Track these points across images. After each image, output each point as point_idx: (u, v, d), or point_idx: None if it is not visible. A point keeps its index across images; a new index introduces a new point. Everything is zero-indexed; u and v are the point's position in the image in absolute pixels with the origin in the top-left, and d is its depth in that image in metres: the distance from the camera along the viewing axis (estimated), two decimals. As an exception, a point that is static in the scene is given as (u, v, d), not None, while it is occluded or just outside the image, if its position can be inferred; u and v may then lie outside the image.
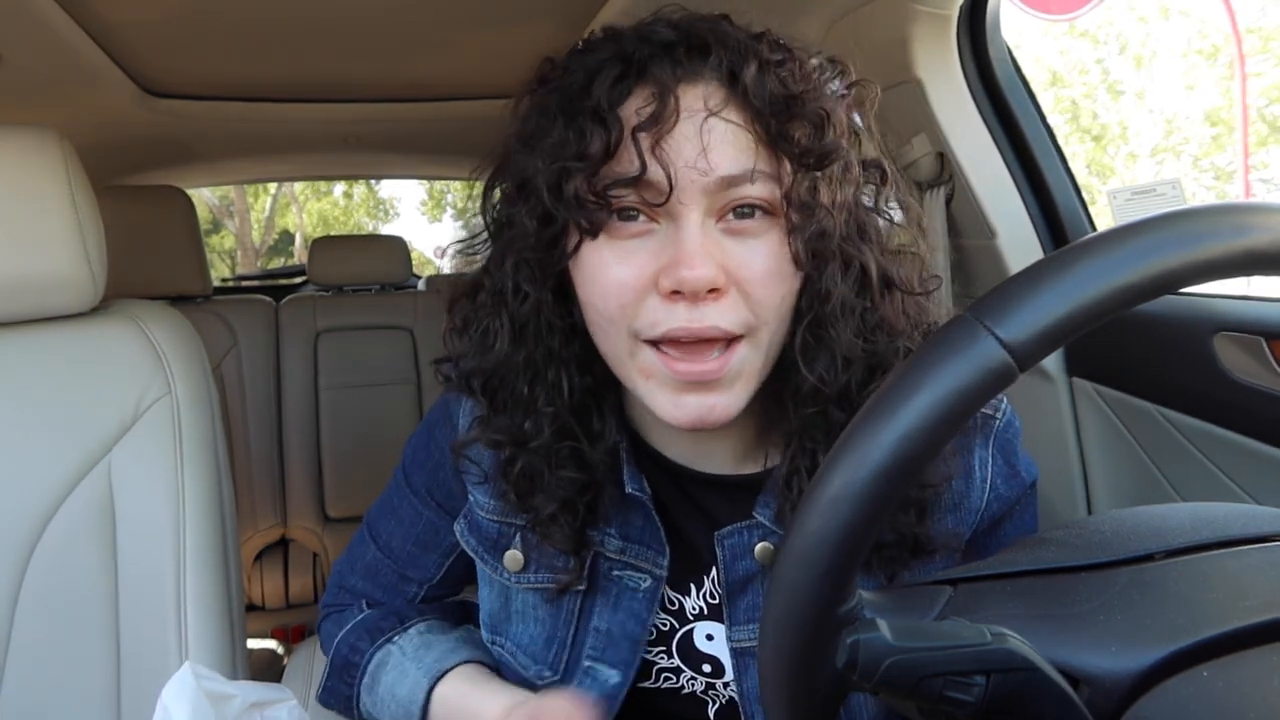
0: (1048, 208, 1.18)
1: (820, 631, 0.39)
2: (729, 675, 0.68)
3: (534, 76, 0.61)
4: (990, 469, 0.65)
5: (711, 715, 0.71)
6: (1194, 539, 0.45)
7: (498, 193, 0.63)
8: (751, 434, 0.66)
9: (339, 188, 13.41)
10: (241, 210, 12.67)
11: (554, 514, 0.64)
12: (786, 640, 0.39)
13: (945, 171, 1.21)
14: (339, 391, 2.35)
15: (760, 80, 0.54)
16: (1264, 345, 0.86)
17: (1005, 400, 0.67)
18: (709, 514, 0.68)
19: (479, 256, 0.67)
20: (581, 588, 0.68)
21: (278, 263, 12.54)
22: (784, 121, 0.55)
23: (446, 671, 0.72)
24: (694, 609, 0.69)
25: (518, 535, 0.69)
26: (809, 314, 0.58)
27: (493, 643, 0.74)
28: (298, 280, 3.25)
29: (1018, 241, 1.17)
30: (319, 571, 2.36)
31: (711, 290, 0.53)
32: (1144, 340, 1.02)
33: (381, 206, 14.43)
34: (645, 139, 0.53)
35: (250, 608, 2.31)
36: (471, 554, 0.74)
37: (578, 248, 0.57)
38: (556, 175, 0.55)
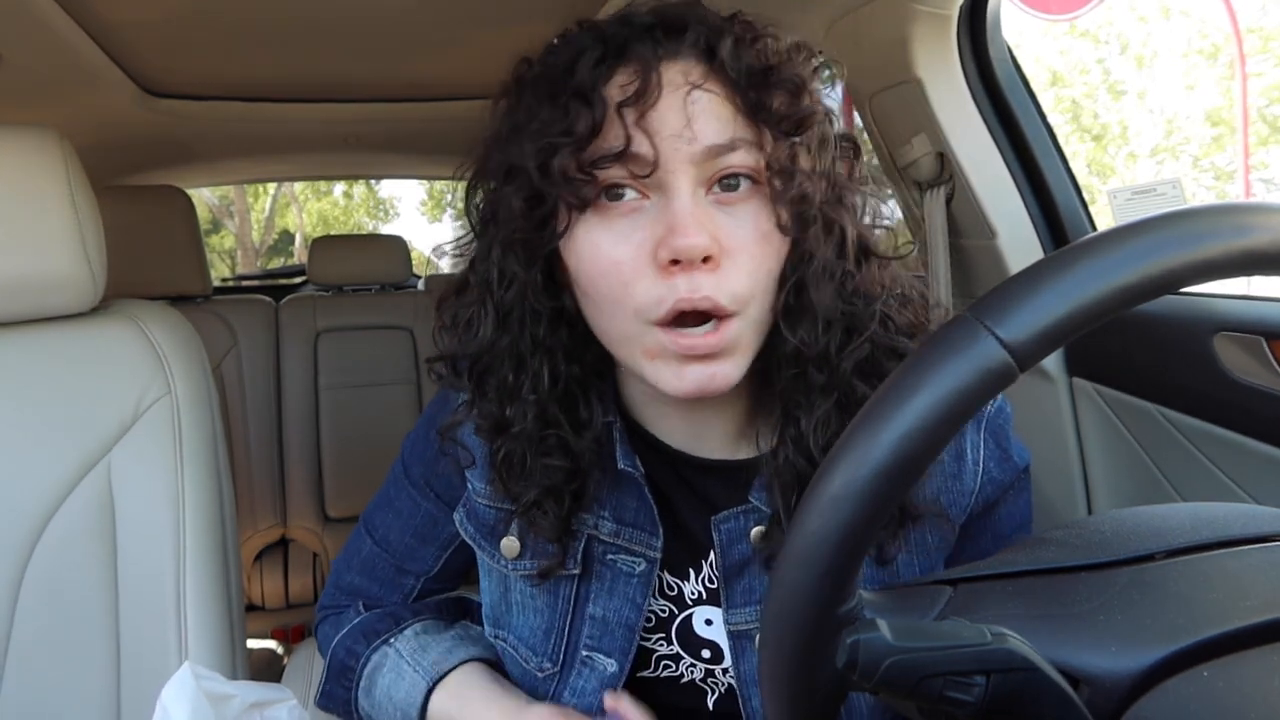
0: (1048, 208, 1.18)
1: (820, 631, 0.39)
2: (727, 660, 0.69)
3: (511, 76, 0.63)
4: (982, 452, 0.66)
5: (710, 705, 0.71)
6: (1194, 539, 0.45)
7: (480, 192, 0.65)
8: (742, 413, 0.67)
9: (339, 188, 13.41)
10: (241, 210, 12.67)
11: (538, 501, 0.65)
12: (787, 640, 0.39)
13: (945, 171, 1.21)
14: (339, 391, 2.35)
15: (736, 54, 0.57)
16: (1264, 345, 0.86)
17: None
18: (706, 499, 0.68)
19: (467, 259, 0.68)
20: (576, 572, 0.69)
21: (278, 263, 12.54)
22: (761, 91, 0.57)
23: (444, 675, 0.72)
24: (693, 594, 0.70)
25: (513, 522, 0.70)
26: (793, 277, 0.59)
27: (495, 637, 0.75)
28: (298, 280, 3.24)
29: (1018, 241, 1.17)
30: (319, 571, 2.36)
31: (706, 259, 0.55)
32: (1144, 340, 1.02)
33: (381, 206, 14.44)
34: (630, 114, 0.55)
35: (250, 608, 2.31)
36: (470, 541, 0.74)
37: (569, 228, 0.58)
38: (544, 154, 0.56)
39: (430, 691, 0.71)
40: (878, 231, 0.65)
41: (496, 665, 0.75)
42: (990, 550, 0.65)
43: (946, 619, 0.42)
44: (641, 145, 0.55)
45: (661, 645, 0.71)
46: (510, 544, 0.70)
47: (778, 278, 0.59)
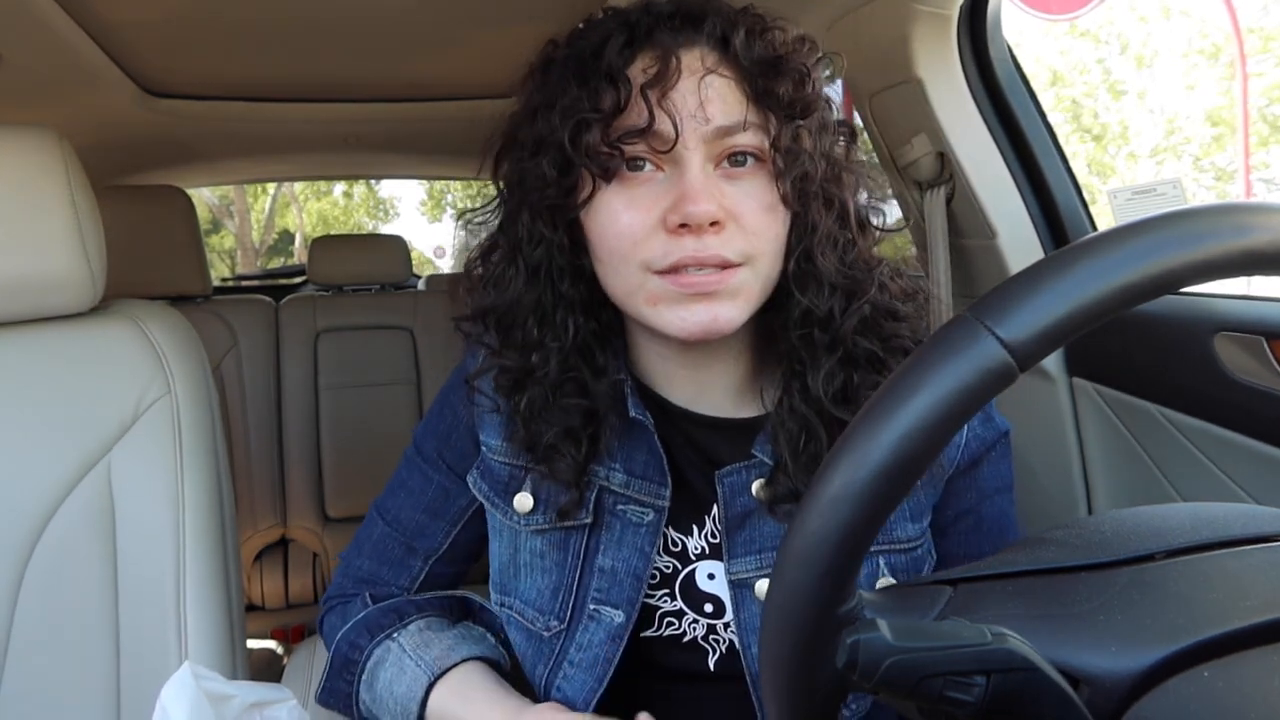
0: (1048, 207, 1.18)
1: (820, 631, 0.39)
2: (729, 614, 0.72)
3: (539, 57, 0.68)
4: None
5: (711, 666, 0.73)
6: (1194, 539, 0.45)
7: (507, 163, 0.70)
8: (746, 371, 0.72)
9: (339, 188, 13.42)
10: (241, 210, 12.67)
11: (557, 443, 0.69)
12: (787, 640, 0.39)
13: (945, 171, 1.21)
14: (339, 391, 2.34)
15: (748, 44, 0.63)
16: (1264, 345, 0.86)
17: None
18: (710, 455, 0.72)
19: (484, 226, 0.74)
20: (588, 521, 0.72)
21: (277, 262, 12.56)
22: (769, 79, 0.63)
23: (446, 671, 0.72)
24: (696, 549, 0.73)
25: (527, 478, 0.74)
26: (800, 246, 0.65)
27: (501, 604, 0.77)
28: (297, 280, 3.25)
29: (1018, 241, 1.18)
30: (319, 571, 2.36)
31: (713, 224, 0.60)
32: (1144, 340, 1.02)
33: (381, 206, 14.45)
34: (653, 94, 0.61)
35: (250, 608, 2.31)
36: (484, 500, 0.77)
37: (591, 196, 0.64)
38: (575, 128, 0.62)
39: (431, 687, 0.72)
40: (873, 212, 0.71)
41: (498, 666, 0.76)
42: (974, 505, 0.74)
43: (946, 619, 0.42)
44: (663, 123, 0.61)
45: (666, 601, 0.73)
46: (523, 499, 0.74)
47: (784, 244, 0.65)
